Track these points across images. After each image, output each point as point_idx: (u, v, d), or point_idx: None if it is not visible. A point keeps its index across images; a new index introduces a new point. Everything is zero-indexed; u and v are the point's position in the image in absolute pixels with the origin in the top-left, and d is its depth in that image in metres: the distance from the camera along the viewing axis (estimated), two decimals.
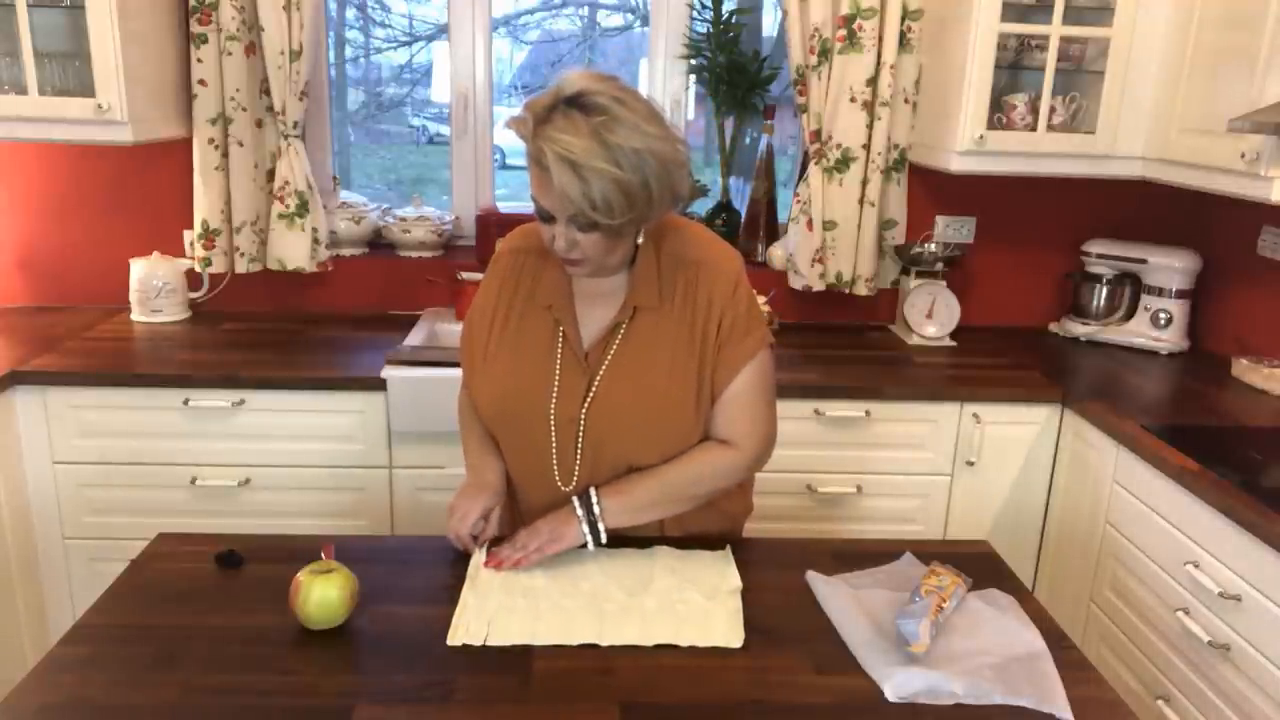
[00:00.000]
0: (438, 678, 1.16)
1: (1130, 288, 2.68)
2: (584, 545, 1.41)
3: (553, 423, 1.42)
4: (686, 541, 1.49)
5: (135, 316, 2.62)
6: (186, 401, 2.20)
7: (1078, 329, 2.72)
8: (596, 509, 1.41)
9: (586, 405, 1.41)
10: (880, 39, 2.52)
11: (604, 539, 1.42)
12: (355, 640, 1.23)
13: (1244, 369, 2.36)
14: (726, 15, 2.74)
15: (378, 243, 2.87)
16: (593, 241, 1.32)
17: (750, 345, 1.44)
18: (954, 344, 2.64)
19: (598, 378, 1.42)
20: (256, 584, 1.35)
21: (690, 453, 1.45)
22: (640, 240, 1.41)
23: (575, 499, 1.42)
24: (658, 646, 1.23)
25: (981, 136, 2.35)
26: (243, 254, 2.62)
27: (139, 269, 2.60)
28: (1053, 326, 2.83)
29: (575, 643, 1.23)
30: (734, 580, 1.38)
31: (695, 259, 1.44)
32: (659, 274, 1.43)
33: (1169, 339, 2.60)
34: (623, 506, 1.42)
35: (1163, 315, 2.60)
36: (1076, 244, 2.75)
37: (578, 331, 1.44)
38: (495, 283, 1.51)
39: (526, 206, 2.33)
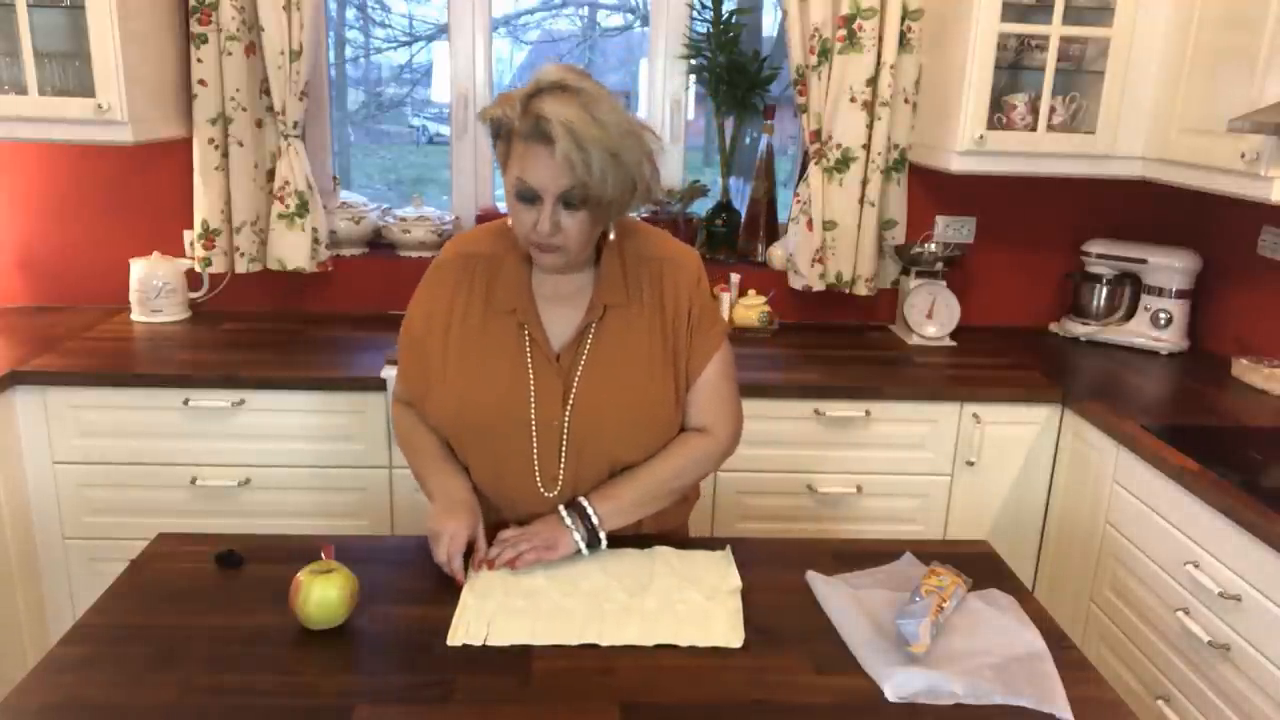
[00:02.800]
0: (437, 678, 1.16)
1: (1130, 288, 2.68)
2: (577, 552, 1.41)
3: (534, 428, 1.41)
4: (671, 539, 1.49)
5: (135, 316, 2.62)
6: (186, 401, 2.20)
7: (1078, 329, 2.72)
8: (595, 518, 1.40)
9: (569, 408, 1.40)
10: (880, 39, 2.52)
11: (604, 545, 1.42)
12: (355, 640, 1.23)
13: (1244, 369, 2.36)
14: (726, 15, 2.74)
15: (378, 243, 2.87)
16: (577, 223, 1.32)
17: (717, 334, 1.49)
18: (954, 344, 2.64)
19: (575, 379, 1.41)
20: (256, 584, 1.35)
21: (670, 447, 1.47)
22: (612, 235, 1.42)
23: (565, 508, 1.41)
24: (658, 646, 1.23)
25: (981, 136, 2.35)
26: (243, 254, 2.62)
27: (139, 269, 2.60)
28: (1053, 326, 2.83)
29: (575, 643, 1.23)
30: (734, 580, 1.38)
31: (657, 256, 1.47)
32: (624, 272, 1.44)
33: (1169, 339, 2.60)
34: (615, 510, 1.42)
35: (1163, 315, 2.60)
36: (1076, 244, 2.75)
37: (545, 334, 1.42)
38: (445, 290, 1.46)
39: None
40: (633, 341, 1.43)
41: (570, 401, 1.40)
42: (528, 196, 1.31)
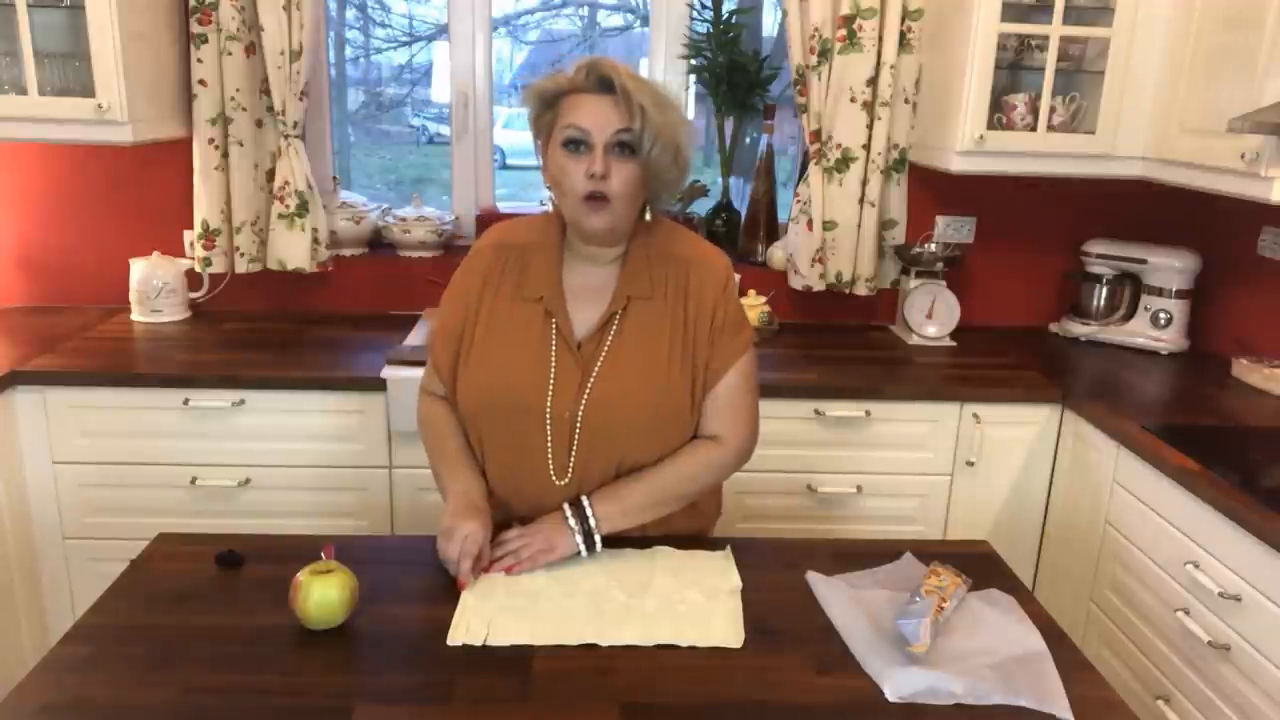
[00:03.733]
0: (438, 678, 1.16)
1: (1130, 288, 2.68)
2: (578, 554, 1.40)
3: (549, 417, 1.41)
4: (675, 541, 1.49)
5: (135, 316, 2.62)
6: (186, 401, 2.20)
7: (1078, 329, 2.72)
8: (592, 520, 1.40)
9: (585, 398, 1.41)
10: (880, 39, 2.52)
11: (599, 548, 1.41)
12: (355, 640, 1.23)
13: (1244, 369, 2.36)
14: (726, 15, 2.74)
15: (378, 243, 2.87)
16: (625, 173, 1.36)
17: (741, 342, 1.48)
18: (954, 344, 2.64)
19: (595, 370, 1.42)
20: (256, 584, 1.35)
21: (680, 452, 1.47)
22: (648, 216, 1.45)
23: (567, 506, 1.41)
24: (658, 646, 1.23)
25: (981, 136, 2.35)
26: (243, 254, 2.62)
27: (139, 269, 2.60)
28: (1053, 326, 2.83)
29: (575, 643, 1.23)
30: (734, 580, 1.38)
31: (685, 256, 1.47)
32: (650, 267, 1.45)
33: (1169, 339, 2.60)
34: (617, 511, 1.42)
35: (1163, 315, 2.60)
36: (1076, 244, 2.75)
37: (569, 323, 1.44)
38: (478, 278, 1.49)
39: (527, 206, 2.36)
40: (653, 337, 1.43)
41: (587, 391, 1.41)
42: (579, 140, 1.36)
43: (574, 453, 1.42)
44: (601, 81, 1.35)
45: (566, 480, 1.44)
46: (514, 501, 1.50)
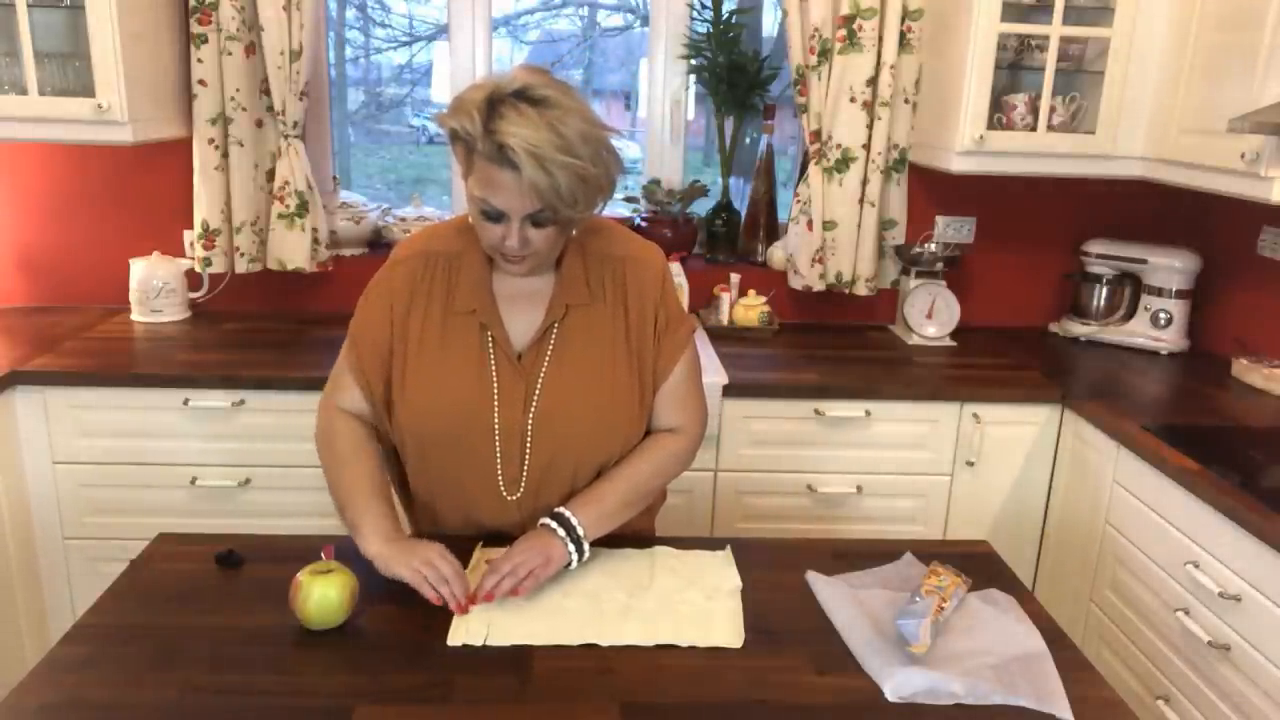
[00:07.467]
0: (437, 678, 1.16)
1: (1130, 288, 2.68)
2: (568, 565, 1.36)
3: (497, 432, 1.38)
4: (647, 539, 1.49)
5: (135, 316, 2.62)
6: (186, 401, 2.20)
7: (1078, 329, 2.72)
8: (580, 529, 1.37)
9: (533, 410, 1.39)
10: (880, 39, 2.52)
11: (587, 555, 1.39)
12: (355, 640, 1.23)
13: (1244, 369, 2.36)
14: (726, 15, 2.74)
15: (378, 243, 2.87)
16: (544, 236, 1.31)
17: (684, 335, 1.47)
18: (954, 344, 2.64)
19: (539, 381, 1.39)
20: (256, 584, 1.35)
21: (644, 448, 1.46)
22: (575, 231, 1.40)
23: (551, 519, 1.38)
24: (658, 646, 1.23)
25: (981, 136, 2.35)
26: (243, 254, 2.62)
27: (139, 269, 2.60)
28: (1053, 326, 2.83)
29: (575, 643, 1.23)
30: (734, 580, 1.38)
31: (620, 255, 1.45)
32: (586, 271, 1.42)
33: (1169, 339, 2.60)
34: (599, 515, 1.39)
35: (1163, 315, 2.60)
36: (1076, 244, 2.75)
37: (506, 335, 1.40)
38: (404, 291, 1.43)
39: None
40: (596, 341, 1.41)
41: (534, 403, 1.39)
42: (491, 215, 1.29)
43: (526, 466, 1.40)
44: (509, 160, 1.22)
45: (519, 494, 1.41)
46: (462, 520, 1.46)
